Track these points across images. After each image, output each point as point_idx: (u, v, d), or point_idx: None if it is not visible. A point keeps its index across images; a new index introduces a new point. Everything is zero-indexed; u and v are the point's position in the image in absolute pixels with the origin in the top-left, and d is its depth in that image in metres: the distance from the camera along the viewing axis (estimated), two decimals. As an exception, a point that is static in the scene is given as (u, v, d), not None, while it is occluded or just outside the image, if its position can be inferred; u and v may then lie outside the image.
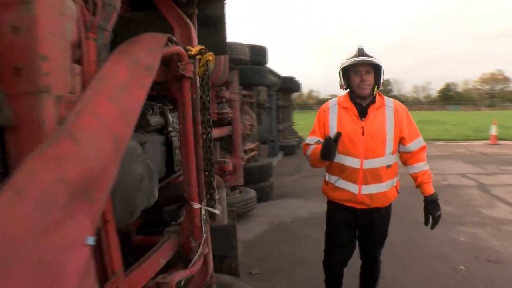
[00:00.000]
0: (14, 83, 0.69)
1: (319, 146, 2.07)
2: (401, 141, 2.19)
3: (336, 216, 2.34)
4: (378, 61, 2.09)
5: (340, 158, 2.14)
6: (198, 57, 1.53)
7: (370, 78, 2.11)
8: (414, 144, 2.20)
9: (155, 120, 1.73)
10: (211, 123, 1.60)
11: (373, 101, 2.17)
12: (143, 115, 1.63)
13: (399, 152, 2.25)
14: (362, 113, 2.16)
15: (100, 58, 0.91)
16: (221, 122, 4.68)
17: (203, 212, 1.60)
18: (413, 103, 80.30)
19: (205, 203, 1.64)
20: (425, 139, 2.32)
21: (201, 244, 1.58)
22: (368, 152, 2.11)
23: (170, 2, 1.58)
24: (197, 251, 1.56)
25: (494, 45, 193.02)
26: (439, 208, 2.19)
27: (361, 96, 2.15)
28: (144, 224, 1.97)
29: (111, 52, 0.99)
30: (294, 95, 17.83)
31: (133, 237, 1.85)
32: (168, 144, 1.89)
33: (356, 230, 2.37)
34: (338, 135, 1.95)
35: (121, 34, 1.37)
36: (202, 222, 1.58)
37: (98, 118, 0.80)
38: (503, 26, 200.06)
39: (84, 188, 0.74)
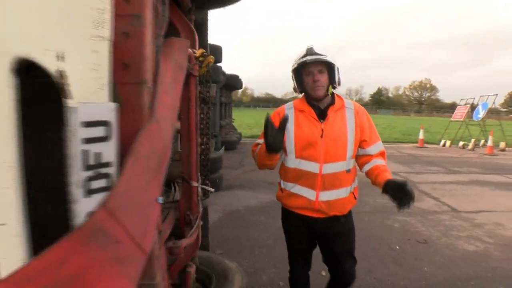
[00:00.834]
0: (122, 74, 0.92)
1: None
2: (360, 144, 2.05)
3: (290, 226, 2.19)
4: (330, 58, 1.93)
5: (298, 163, 2.00)
6: (200, 59, 1.80)
7: (323, 78, 1.96)
8: (374, 148, 2.06)
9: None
10: (210, 115, 1.87)
11: (332, 103, 2.03)
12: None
13: (357, 155, 2.08)
14: (321, 115, 2.00)
15: (157, 58, 1.16)
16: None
17: (199, 189, 1.87)
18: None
19: (200, 183, 1.92)
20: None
21: (198, 217, 1.85)
22: (328, 156, 1.95)
23: (177, 9, 1.82)
24: (195, 223, 1.83)
25: (424, 55, 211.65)
26: (406, 182, 1.81)
27: (317, 98, 2.00)
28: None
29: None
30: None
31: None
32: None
33: (313, 243, 2.21)
34: (284, 120, 1.74)
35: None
36: (198, 198, 1.85)
37: (165, 107, 1.06)
38: (433, 38, 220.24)
39: (159, 160, 1.00)
